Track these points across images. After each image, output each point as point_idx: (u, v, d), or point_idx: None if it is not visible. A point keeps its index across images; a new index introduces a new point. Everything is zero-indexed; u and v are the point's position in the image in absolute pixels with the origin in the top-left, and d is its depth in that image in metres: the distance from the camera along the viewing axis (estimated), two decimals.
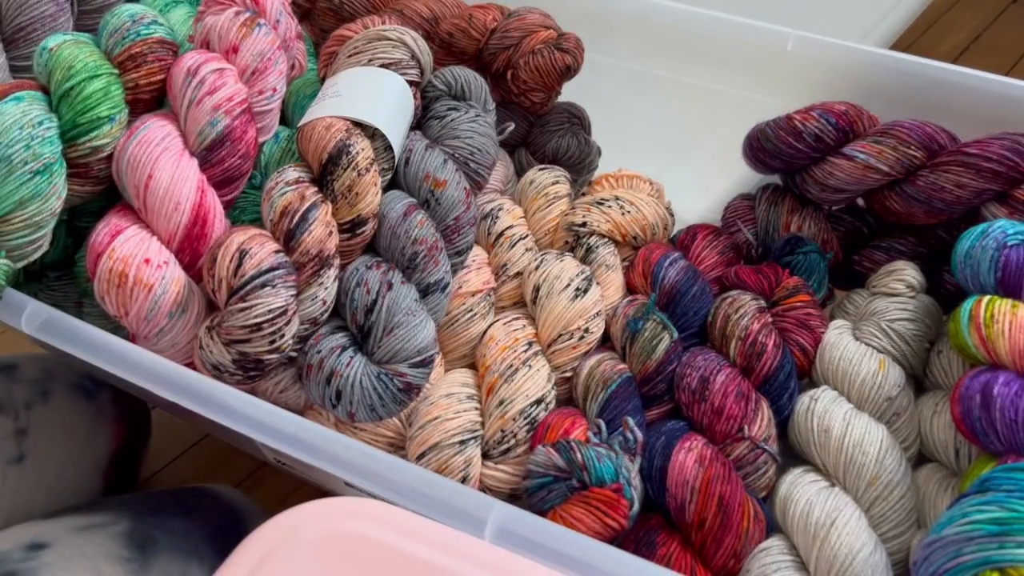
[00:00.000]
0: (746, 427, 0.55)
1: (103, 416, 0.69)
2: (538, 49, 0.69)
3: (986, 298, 0.52)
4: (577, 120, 0.76)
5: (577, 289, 0.62)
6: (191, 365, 0.55)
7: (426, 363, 0.57)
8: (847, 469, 0.53)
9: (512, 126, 0.72)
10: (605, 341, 0.64)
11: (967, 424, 0.49)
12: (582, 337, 0.61)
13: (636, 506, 0.51)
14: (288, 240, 0.55)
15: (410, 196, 0.61)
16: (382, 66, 0.63)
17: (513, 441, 0.57)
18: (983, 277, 0.54)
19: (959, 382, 0.50)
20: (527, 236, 0.68)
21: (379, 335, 0.55)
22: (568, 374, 0.62)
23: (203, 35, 0.61)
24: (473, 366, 0.63)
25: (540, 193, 0.69)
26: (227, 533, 0.64)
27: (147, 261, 0.54)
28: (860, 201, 0.69)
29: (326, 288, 0.56)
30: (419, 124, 0.66)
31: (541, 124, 0.75)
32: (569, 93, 0.75)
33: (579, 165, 0.75)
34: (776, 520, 0.54)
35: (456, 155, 0.63)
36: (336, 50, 0.66)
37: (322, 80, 0.66)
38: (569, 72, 0.70)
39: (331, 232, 0.56)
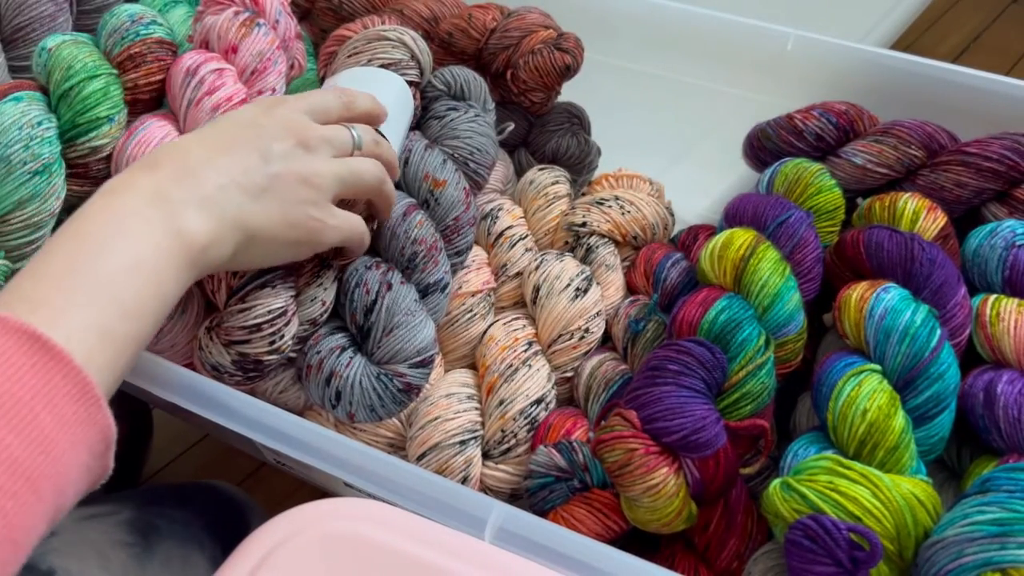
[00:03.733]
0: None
1: None
2: (538, 49, 0.69)
3: (992, 297, 0.52)
4: (577, 120, 0.76)
5: (577, 289, 0.62)
6: (190, 366, 0.55)
7: (426, 363, 0.57)
8: None
9: (512, 126, 0.71)
10: (606, 341, 0.64)
11: (969, 422, 0.49)
12: (582, 337, 0.61)
13: None
14: None
15: (409, 196, 0.61)
16: (381, 66, 0.62)
17: (513, 441, 0.57)
18: (990, 276, 0.54)
19: (963, 379, 0.50)
20: (527, 236, 0.68)
21: (379, 335, 0.55)
22: (569, 374, 0.61)
23: (202, 35, 0.61)
24: (473, 366, 0.63)
25: (540, 193, 0.69)
26: (227, 524, 0.64)
27: None
28: (860, 200, 0.69)
29: (325, 289, 0.56)
30: (418, 124, 0.66)
31: (541, 124, 0.75)
32: (569, 93, 0.75)
33: (579, 165, 0.75)
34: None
35: (456, 155, 0.63)
36: (335, 50, 0.66)
37: (321, 80, 0.66)
38: (569, 72, 0.70)
39: None
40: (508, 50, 0.70)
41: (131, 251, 0.41)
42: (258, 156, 0.47)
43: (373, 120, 0.57)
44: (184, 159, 0.45)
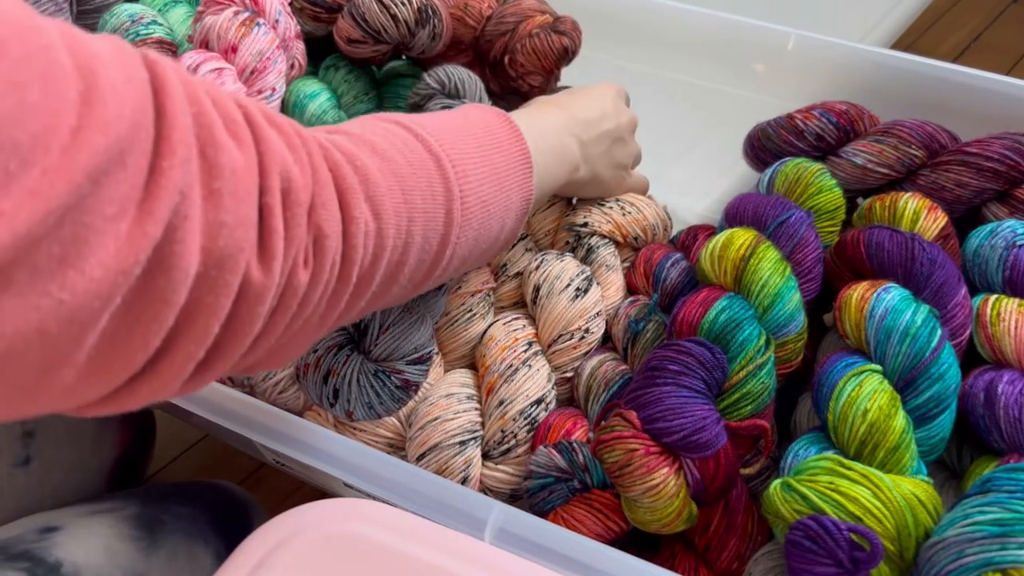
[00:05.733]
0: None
1: (110, 420, 0.69)
2: (535, 32, 0.69)
3: (993, 297, 0.52)
4: None
5: (577, 289, 0.62)
6: None
7: (423, 360, 0.56)
8: None
9: None
10: (606, 341, 0.64)
11: (970, 422, 0.49)
12: (582, 337, 0.61)
13: None
14: None
15: None
16: None
17: (513, 441, 0.57)
18: (991, 276, 0.54)
19: (964, 379, 0.50)
20: (527, 236, 0.68)
21: (375, 333, 0.55)
22: (569, 374, 0.61)
23: (202, 35, 0.60)
24: (473, 366, 0.63)
25: None
26: (231, 520, 0.65)
27: None
28: (861, 200, 0.69)
29: None
30: None
31: None
32: None
33: None
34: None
35: None
36: None
37: None
38: (567, 54, 0.70)
39: None
40: (505, 36, 0.70)
41: (552, 132, 0.58)
42: (615, 125, 0.64)
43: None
44: (571, 108, 0.62)
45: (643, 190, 0.71)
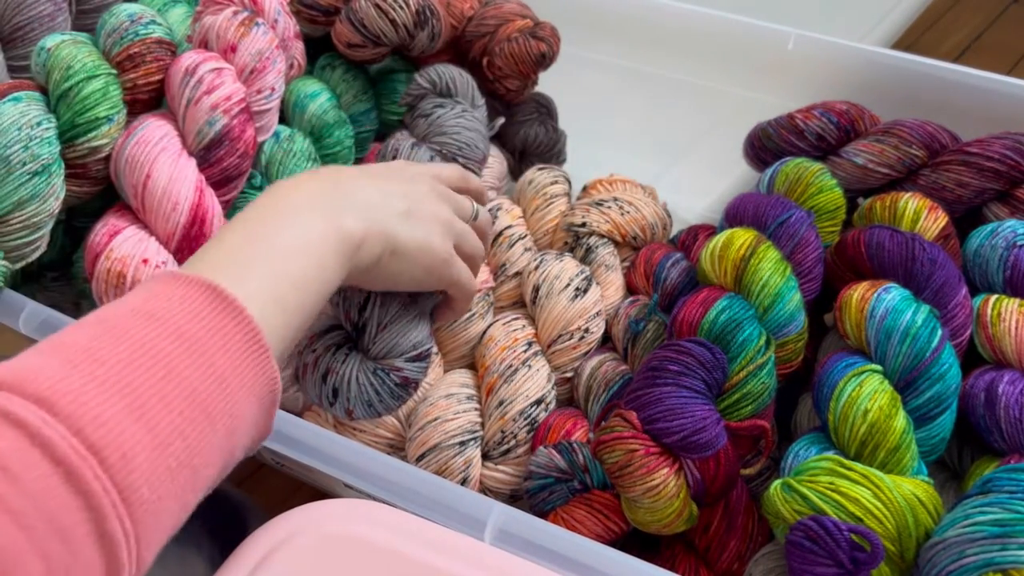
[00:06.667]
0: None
1: None
2: (514, 37, 0.69)
3: (993, 297, 0.52)
4: (545, 109, 0.76)
5: (577, 289, 0.62)
6: None
7: (422, 357, 0.56)
8: None
9: (503, 120, 0.71)
10: (606, 342, 0.64)
11: (970, 422, 0.49)
12: (582, 337, 0.61)
13: None
14: None
15: None
16: None
17: (513, 442, 0.57)
18: (991, 276, 0.54)
19: (964, 380, 0.50)
20: (526, 236, 0.68)
21: (373, 331, 0.55)
22: (568, 374, 0.61)
23: (201, 35, 0.60)
24: (472, 366, 0.63)
25: (539, 193, 0.69)
26: (226, 525, 0.64)
27: (145, 261, 0.54)
28: (861, 200, 0.69)
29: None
30: (406, 123, 0.66)
31: (510, 115, 0.75)
32: (569, 92, 0.74)
33: (548, 153, 0.76)
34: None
35: (444, 151, 0.63)
36: None
37: None
38: (544, 60, 0.70)
39: None
40: (485, 38, 0.70)
41: (300, 235, 0.44)
42: (402, 189, 0.51)
43: (479, 199, 0.60)
44: (339, 174, 0.50)
45: (470, 290, 0.55)
